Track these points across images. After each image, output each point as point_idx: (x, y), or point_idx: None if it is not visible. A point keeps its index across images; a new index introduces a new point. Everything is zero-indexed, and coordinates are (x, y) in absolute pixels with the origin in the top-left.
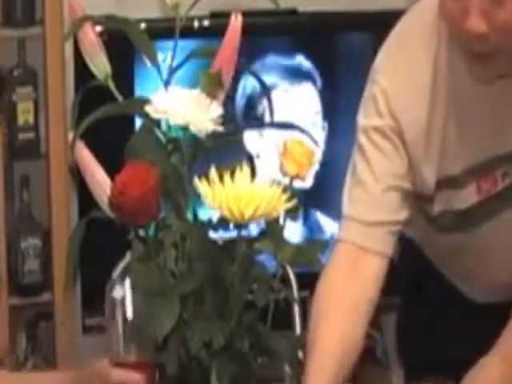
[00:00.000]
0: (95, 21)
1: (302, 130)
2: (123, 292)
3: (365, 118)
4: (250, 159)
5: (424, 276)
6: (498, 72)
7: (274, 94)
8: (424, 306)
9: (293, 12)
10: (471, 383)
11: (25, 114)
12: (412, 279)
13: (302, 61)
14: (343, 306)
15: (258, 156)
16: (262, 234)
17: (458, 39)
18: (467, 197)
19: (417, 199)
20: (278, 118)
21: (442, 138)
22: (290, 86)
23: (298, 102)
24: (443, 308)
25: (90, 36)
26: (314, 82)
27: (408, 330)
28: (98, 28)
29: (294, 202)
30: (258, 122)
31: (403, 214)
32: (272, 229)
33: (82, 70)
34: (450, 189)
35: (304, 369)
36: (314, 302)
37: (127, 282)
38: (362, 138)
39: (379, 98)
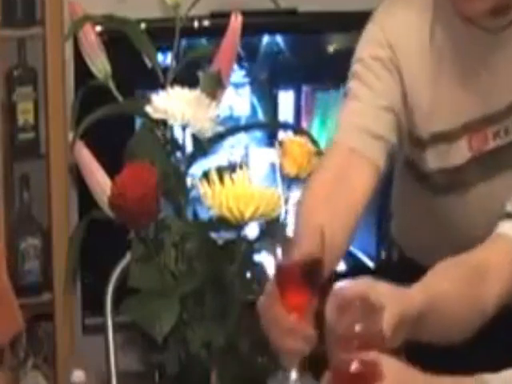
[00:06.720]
0: (95, 21)
1: (302, 131)
2: (84, 377)
3: (362, 51)
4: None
5: None
6: (484, 6)
7: None
8: None
9: (293, 12)
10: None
11: (25, 113)
12: None
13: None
14: (328, 208)
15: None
16: (262, 234)
17: None
18: (460, 152)
19: (409, 145)
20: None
21: (433, 89)
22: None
23: None
24: None
25: (90, 36)
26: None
27: None
28: (98, 28)
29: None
30: (258, 123)
31: (396, 138)
32: (272, 229)
33: (82, 70)
34: (443, 143)
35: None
36: (298, 204)
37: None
38: (358, 67)
39: (379, 33)
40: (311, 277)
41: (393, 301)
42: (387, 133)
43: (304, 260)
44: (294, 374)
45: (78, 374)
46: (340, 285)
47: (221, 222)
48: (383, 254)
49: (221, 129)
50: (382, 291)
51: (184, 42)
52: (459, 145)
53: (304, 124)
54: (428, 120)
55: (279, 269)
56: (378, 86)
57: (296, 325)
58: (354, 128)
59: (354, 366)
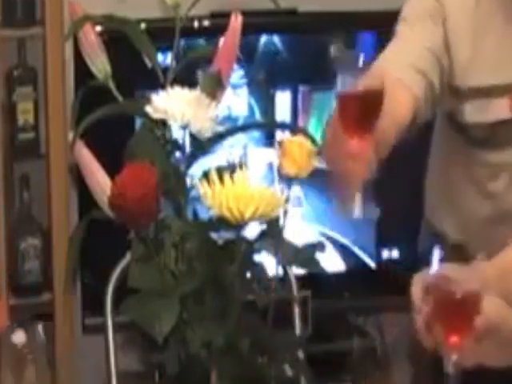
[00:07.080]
0: (95, 21)
1: (301, 130)
2: (25, 337)
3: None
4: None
5: None
6: None
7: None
8: None
9: (293, 12)
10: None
11: (25, 113)
12: None
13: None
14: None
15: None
16: (262, 234)
17: None
18: (499, 109)
19: (449, 95)
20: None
21: (475, 45)
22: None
23: None
24: None
25: (90, 36)
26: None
27: None
28: (98, 28)
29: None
30: (255, 123)
31: (437, 78)
32: (272, 229)
33: (82, 70)
34: (482, 98)
35: None
36: None
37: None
38: (406, 13)
39: None
40: (372, 104)
41: (473, 281)
42: (429, 69)
43: (366, 88)
44: (358, 198)
45: (20, 335)
46: (424, 270)
47: (221, 222)
48: (384, 253)
49: (221, 129)
50: (462, 273)
51: (184, 42)
52: (500, 102)
53: (301, 124)
54: (467, 74)
55: (343, 96)
56: (423, 29)
57: (358, 149)
58: (396, 61)
59: (459, 293)
